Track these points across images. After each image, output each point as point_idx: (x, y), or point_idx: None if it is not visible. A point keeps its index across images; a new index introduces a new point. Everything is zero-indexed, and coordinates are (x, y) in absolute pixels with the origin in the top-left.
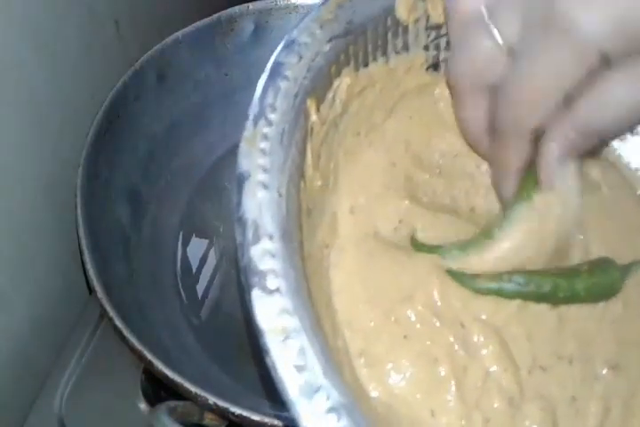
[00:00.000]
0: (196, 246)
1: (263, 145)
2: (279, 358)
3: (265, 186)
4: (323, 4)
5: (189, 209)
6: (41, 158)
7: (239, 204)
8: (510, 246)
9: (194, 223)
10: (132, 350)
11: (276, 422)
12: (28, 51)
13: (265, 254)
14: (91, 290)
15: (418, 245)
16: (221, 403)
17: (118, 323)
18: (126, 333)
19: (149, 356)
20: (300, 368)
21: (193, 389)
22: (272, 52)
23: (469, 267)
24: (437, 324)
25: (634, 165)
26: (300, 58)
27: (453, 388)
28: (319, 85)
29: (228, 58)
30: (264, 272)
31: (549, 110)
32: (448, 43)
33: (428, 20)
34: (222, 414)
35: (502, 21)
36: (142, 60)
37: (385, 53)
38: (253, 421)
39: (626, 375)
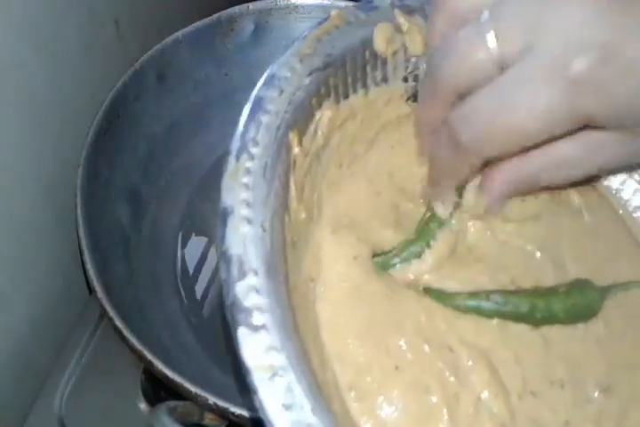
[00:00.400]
0: (196, 246)
1: (246, 180)
2: (267, 397)
3: (249, 221)
4: (302, 38)
5: (189, 209)
6: (41, 158)
7: (223, 239)
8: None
9: (194, 223)
10: (132, 350)
11: None
12: (28, 51)
13: (250, 290)
14: (91, 290)
15: (378, 264)
16: (221, 403)
17: (118, 323)
18: (126, 333)
19: (149, 356)
20: (288, 407)
21: (193, 389)
22: (272, 52)
23: (414, 274)
24: (427, 350)
25: (614, 187)
26: (281, 92)
27: (445, 416)
28: (301, 118)
29: (227, 58)
30: (249, 309)
31: (517, 147)
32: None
33: (405, 51)
34: (222, 414)
35: (503, 34)
36: (142, 60)
37: (365, 85)
38: (253, 421)
39: (617, 397)
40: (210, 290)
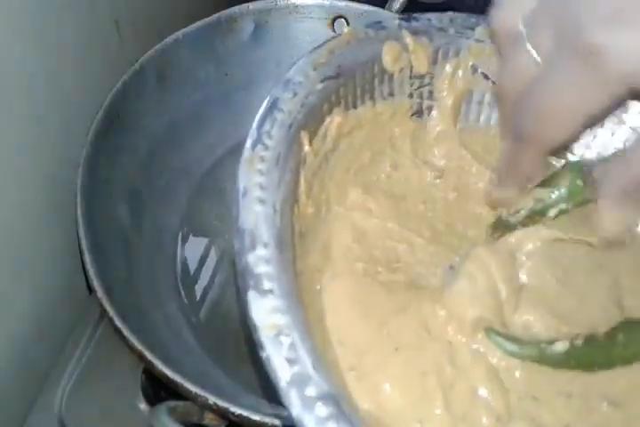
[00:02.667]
0: (196, 246)
1: (260, 166)
2: (272, 352)
3: (262, 201)
4: (316, 49)
5: (189, 209)
6: (41, 158)
7: (237, 216)
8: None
9: (193, 223)
10: (132, 350)
11: (276, 421)
12: (28, 51)
13: (260, 260)
14: (91, 290)
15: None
16: (221, 403)
17: (118, 323)
18: (126, 333)
19: (149, 356)
20: (291, 361)
21: (193, 389)
22: (272, 52)
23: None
24: (427, 338)
25: None
26: (295, 94)
27: (441, 400)
28: (312, 120)
29: (227, 58)
30: (259, 275)
31: (567, 130)
32: (430, 92)
33: (411, 70)
34: (222, 414)
35: (534, 38)
36: (142, 60)
37: (372, 98)
38: (253, 421)
39: (626, 412)
40: (210, 290)
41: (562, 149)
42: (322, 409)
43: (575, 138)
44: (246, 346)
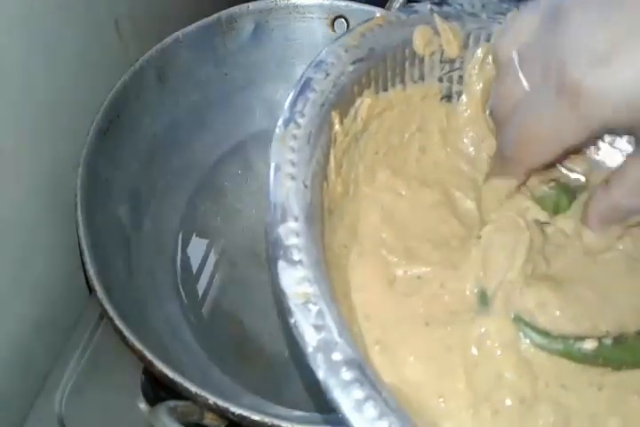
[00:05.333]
0: (196, 246)
1: (292, 143)
2: (300, 319)
3: (293, 177)
4: (348, 32)
5: (189, 209)
6: (41, 158)
7: (269, 191)
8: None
9: (194, 223)
10: (132, 350)
11: (275, 421)
12: (28, 51)
13: (290, 232)
14: (91, 290)
15: None
16: (221, 403)
17: (118, 323)
18: (126, 333)
19: (149, 356)
20: (318, 328)
21: (193, 389)
22: (272, 51)
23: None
24: (456, 316)
25: None
26: (327, 75)
27: (463, 377)
28: (343, 101)
29: (227, 58)
30: (289, 247)
31: (545, 156)
32: (460, 76)
33: (442, 54)
34: (222, 413)
35: (526, 68)
36: (142, 60)
37: (402, 81)
38: (253, 421)
39: None
40: (210, 290)
41: (546, 167)
42: (347, 373)
43: (556, 161)
44: (247, 346)
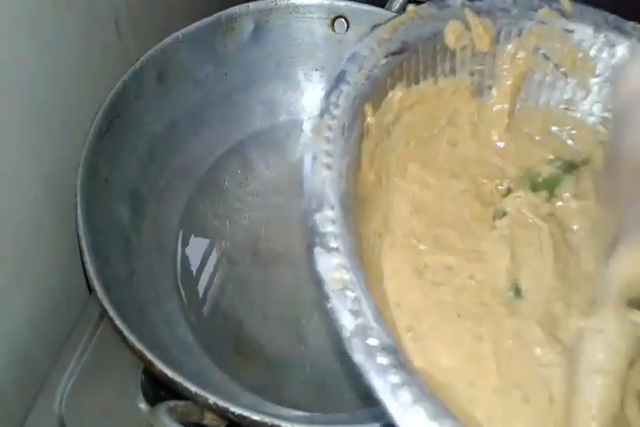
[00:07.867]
0: (196, 246)
1: (327, 134)
2: (337, 303)
3: (328, 167)
4: (381, 25)
5: (189, 209)
6: (41, 158)
7: (306, 180)
8: None
9: (194, 223)
10: (132, 350)
11: (275, 421)
12: (28, 51)
13: (326, 220)
14: (91, 290)
15: None
16: (221, 403)
17: (118, 323)
18: (126, 333)
19: (149, 356)
20: (354, 313)
21: (193, 389)
22: (272, 51)
23: None
24: (487, 309)
25: None
26: (361, 68)
27: (494, 366)
28: (375, 93)
29: (227, 58)
30: (325, 234)
31: None
32: (491, 71)
33: (473, 48)
34: (222, 413)
35: None
36: (142, 60)
37: (434, 74)
38: (253, 421)
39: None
40: (210, 290)
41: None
42: (383, 359)
43: None
44: (246, 346)
